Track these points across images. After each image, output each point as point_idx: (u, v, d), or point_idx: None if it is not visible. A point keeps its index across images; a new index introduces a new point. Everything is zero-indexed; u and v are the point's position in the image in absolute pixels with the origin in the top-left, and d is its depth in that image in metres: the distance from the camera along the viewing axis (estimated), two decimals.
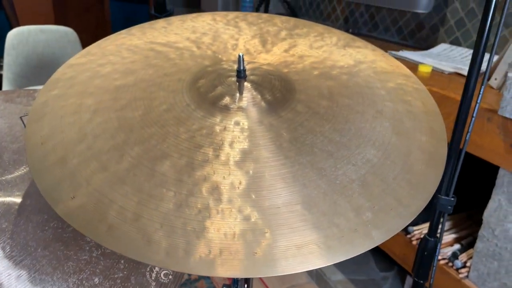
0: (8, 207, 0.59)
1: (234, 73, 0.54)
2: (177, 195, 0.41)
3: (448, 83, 1.23)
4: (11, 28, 1.93)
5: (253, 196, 0.42)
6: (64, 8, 3.06)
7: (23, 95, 0.80)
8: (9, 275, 0.52)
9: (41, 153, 0.46)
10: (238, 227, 0.39)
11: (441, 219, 0.87)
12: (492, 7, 0.71)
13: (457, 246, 1.22)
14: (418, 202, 0.44)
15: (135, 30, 0.67)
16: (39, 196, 0.59)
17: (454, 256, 1.17)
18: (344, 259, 0.39)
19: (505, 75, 1.08)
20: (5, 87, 1.93)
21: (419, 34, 1.75)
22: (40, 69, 1.98)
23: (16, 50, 1.91)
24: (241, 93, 0.52)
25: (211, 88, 0.52)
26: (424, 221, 1.32)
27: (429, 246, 0.89)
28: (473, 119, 0.80)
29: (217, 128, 0.47)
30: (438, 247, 0.89)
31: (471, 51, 0.86)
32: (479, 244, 1.09)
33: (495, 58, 1.16)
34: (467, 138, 0.81)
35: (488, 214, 1.05)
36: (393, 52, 1.53)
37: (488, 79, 1.17)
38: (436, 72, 1.34)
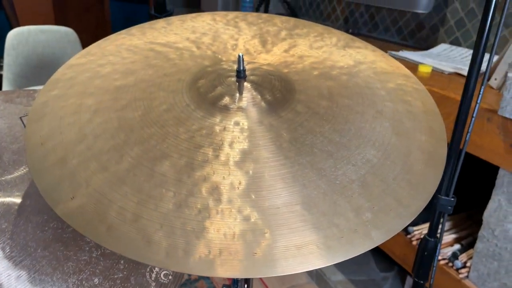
0: (8, 208, 0.59)
1: (234, 73, 0.54)
2: (177, 195, 0.41)
3: (448, 83, 1.23)
4: (11, 28, 1.93)
5: (253, 197, 0.42)
6: (64, 8, 3.06)
7: (23, 96, 0.80)
8: (8, 276, 0.52)
9: (40, 153, 0.46)
10: (237, 227, 0.39)
11: (441, 219, 0.87)
12: (492, 7, 0.71)
13: (457, 246, 1.22)
14: (418, 203, 0.44)
15: (135, 30, 0.67)
16: (39, 197, 0.59)
17: (454, 256, 1.17)
18: (344, 259, 0.38)
19: (505, 75, 1.08)
20: (5, 87, 1.93)
21: (419, 34, 1.75)
22: (40, 70, 1.98)
23: (16, 50, 1.91)
24: (241, 93, 0.52)
25: (211, 88, 0.52)
26: (424, 221, 1.32)
27: (429, 246, 0.89)
28: (473, 119, 0.80)
29: (217, 128, 0.47)
30: (438, 247, 0.89)
31: (471, 51, 0.86)
32: (479, 244, 1.09)
33: (495, 58, 1.16)
34: (467, 138, 0.81)
35: (488, 214, 1.05)
36: (393, 52, 1.53)
37: (488, 79, 1.17)
38: (436, 72, 1.34)
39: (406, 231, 1.31)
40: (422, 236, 0.91)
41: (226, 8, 2.77)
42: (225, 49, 0.62)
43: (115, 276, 0.55)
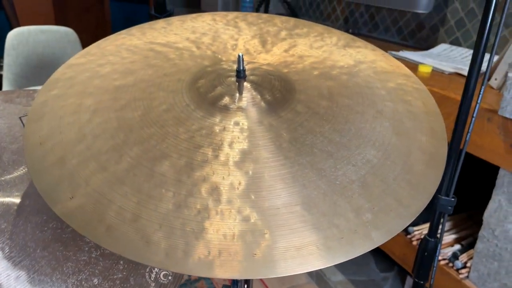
0: (7, 208, 0.58)
1: (234, 73, 0.54)
2: (176, 195, 0.41)
3: (448, 83, 1.23)
4: (11, 28, 1.93)
5: (253, 197, 0.41)
6: (64, 8, 3.06)
7: (22, 96, 0.80)
8: (8, 276, 0.52)
9: (40, 153, 0.46)
10: (237, 228, 0.39)
11: (442, 220, 0.87)
12: (492, 7, 0.71)
13: (457, 247, 1.21)
14: (418, 203, 0.44)
15: (135, 30, 0.67)
16: (38, 197, 0.59)
17: (455, 256, 1.17)
18: (344, 260, 0.38)
19: (505, 75, 1.08)
20: (5, 87, 1.93)
21: (419, 34, 1.75)
22: (40, 70, 1.98)
23: (16, 50, 1.91)
24: (240, 93, 0.52)
25: (211, 88, 0.52)
26: (424, 222, 1.32)
27: (429, 247, 0.89)
28: (473, 119, 0.79)
29: (217, 128, 0.47)
30: (438, 248, 0.89)
31: (471, 51, 0.86)
32: (479, 245, 1.08)
33: (495, 58, 1.16)
34: (467, 138, 0.80)
35: (488, 214, 1.05)
36: (393, 52, 1.53)
37: (488, 79, 1.17)
38: (436, 72, 1.34)
39: (406, 231, 1.31)
40: (422, 236, 0.91)
41: (226, 8, 2.77)
42: (225, 49, 0.62)
43: (115, 277, 0.55)
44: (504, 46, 1.19)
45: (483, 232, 1.07)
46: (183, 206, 0.41)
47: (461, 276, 1.13)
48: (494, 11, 0.72)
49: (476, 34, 0.74)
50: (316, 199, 0.42)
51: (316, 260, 0.38)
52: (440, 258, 1.17)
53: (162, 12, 1.12)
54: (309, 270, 0.37)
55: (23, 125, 0.70)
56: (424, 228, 1.30)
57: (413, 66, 1.37)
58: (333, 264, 0.38)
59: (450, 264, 1.16)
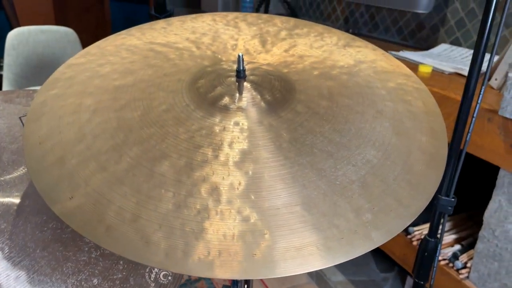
0: (7, 208, 0.58)
1: (234, 73, 0.54)
2: (176, 195, 0.41)
3: (449, 83, 1.23)
4: (11, 28, 1.93)
5: (253, 197, 0.41)
6: (64, 8, 3.06)
7: (22, 96, 0.80)
8: (7, 276, 0.52)
9: (39, 153, 0.46)
10: (237, 228, 0.39)
11: (442, 220, 0.87)
12: (493, 7, 0.71)
13: (457, 247, 1.21)
14: (418, 203, 0.44)
15: (135, 30, 0.67)
16: (38, 197, 0.59)
17: (455, 256, 1.17)
18: (344, 260, 0.38)
19: (506, 75, 1.08)
20: (5, 87, 1.93)
21: (419, 34, 1.75)
22: (40, 70, 1.98)
23: (16, 50, 1.91)
24: (240, 93, 0.52)
25: (211, 88, 0.52)
26: (424, 222, 1.32)
27: (429, 247, 0.89)
28: (474, 119, 0.79)
29: (217, 129, 0.47)
30: (438, 248, 0.89)
31: (472, 51, 0.86)
32: (479, 245, 1.08)
33: (496, 58, 1.16)
34: (467, 138, 0.80)
35: (489, 214, 1.05)
36: (393, 53, 1.53)
37: (489, 80, 1.17)
38: (436, 72, 1.34)
39: (406, 231, 1.31)
40: (422, 237, 0.91)
41: (226, 8, 2.77)
42: (225, 49, 0.62)
43: (114, 277, 0.55)
44: (504, 46, 1.19)
45: (483, 232, 1.07)
46: (182, 206, 0.40)
47: (461, 276, 1.13)
48: (494, 11, 0.72)
49: (476, 34, 0.74)
50: (316, 199, 0.42)
51: (316, 260, 0.38)
52: (440, 258, 1.17)
53: (162, 12, 1.12)
54: (309, 271, 0.37)
55: (23, 125, 0.70)
56: (424, 228, 1.30)
57: (413, 66, 1.36)
58: (333, 264, 0.38)
59: (450, 264, 1.16)
